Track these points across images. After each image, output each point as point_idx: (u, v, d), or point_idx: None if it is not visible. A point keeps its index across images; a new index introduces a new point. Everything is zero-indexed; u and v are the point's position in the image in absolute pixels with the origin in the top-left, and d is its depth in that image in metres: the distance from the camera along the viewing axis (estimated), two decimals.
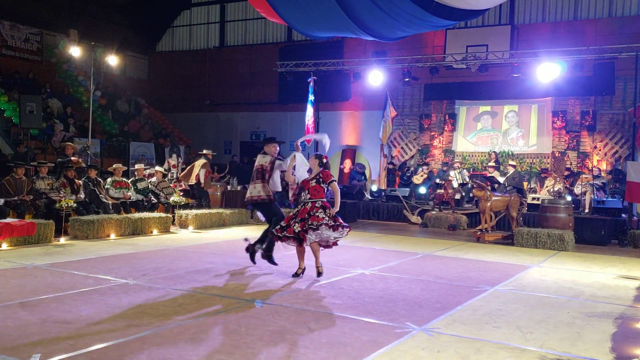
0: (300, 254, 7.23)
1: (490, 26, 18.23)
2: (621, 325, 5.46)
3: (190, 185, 14.00)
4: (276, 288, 6.63)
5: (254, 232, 12.12)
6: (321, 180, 7.14)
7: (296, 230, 6.90)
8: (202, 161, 13.93)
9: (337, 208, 7.07)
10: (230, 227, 13.02)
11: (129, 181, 12.62)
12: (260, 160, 7.78)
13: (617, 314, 5.92)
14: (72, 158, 12.31)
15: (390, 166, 17.90)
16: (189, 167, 14.19)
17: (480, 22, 18.31)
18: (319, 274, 7.11)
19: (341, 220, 7.09)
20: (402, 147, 19.20)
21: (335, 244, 7.20)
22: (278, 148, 7.95)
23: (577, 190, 14.15)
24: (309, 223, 6.87)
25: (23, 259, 7.92)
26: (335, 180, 7.30)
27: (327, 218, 6.93)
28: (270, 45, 22.27)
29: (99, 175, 12.63)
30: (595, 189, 13.82)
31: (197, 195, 14.16)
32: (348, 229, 7.11)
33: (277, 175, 7.80)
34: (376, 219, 15.63)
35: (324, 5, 7.56)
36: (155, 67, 24.67)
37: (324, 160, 7.28)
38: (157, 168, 13.87)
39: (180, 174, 14.36)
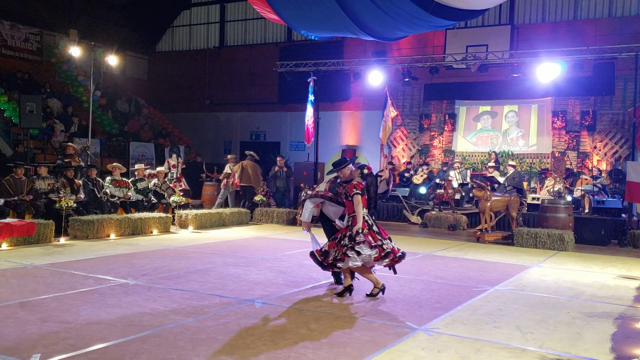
0: (345, 272, 6.43)
1: (490, 26, 18.23)
2: (621, 325, 5.46)
3: (242, 186, 14.57)
4: (276, 288, 6.63)
5: (254, 232, 12.14)
6: (347, 194, 6.31)
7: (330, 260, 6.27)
8: (250, 163, 14.48)
9: (356, 225, 6.12)
10: (230, 227, 13.02)
11: (129, 181, 12.62)
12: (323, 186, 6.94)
13: (617, 314, 5.92)
14: (67, 159, 12.32)
15: (390, 166, 17.89)
16: (238, 168, 14.41)
17: (480, 22, 18.31)
18: (382, 291, 6.41)
19: (370, 239, 6.18)
20: (402, 148, 19.21)
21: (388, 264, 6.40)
22: (352, 167, 6.66)
23: (577, 193, 14.16)
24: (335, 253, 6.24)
25: (23, 259, 7.92)
26: (359, 193, 6.22)
27: (347, 243, 6.16)
28: (270, 45, 22.27)
29: (99, 175, 12.63)
30: (594, 191, 13.81)
31: (245, 195, 14.63)
32: (372, 252, 6.17)
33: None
34: (375, 219, 15.58)
35: (323, 5, 7.55)
36: (155, 67, 24.66)
37: (365, 171, 6.44)
38: (160, 169, 13.88)
39: (233, 177, 14.70)
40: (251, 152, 15.19)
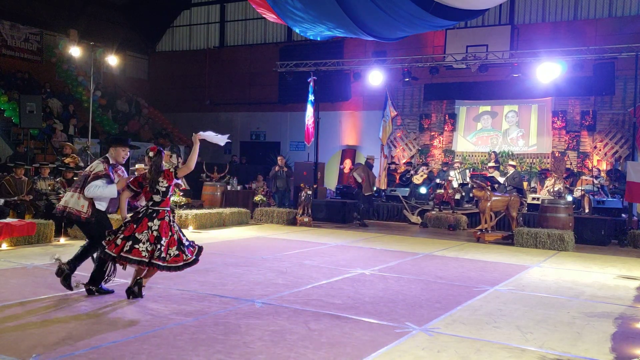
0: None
1: (490, 26, 18.24)
2: (621, 325, 5.46)
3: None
4: (276, 288, 6.63)
5: (254, 232, 12.15)
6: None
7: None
8: (361, 166, 14.18)
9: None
10: (230, 227, 13.02)
11: None
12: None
13: (617, 314, 5.92)
14: (65, 159, 12.32)
15: (393, 166, 17.91)
16: (364, 174, 14.06)
17: (480, 22, 18.31)
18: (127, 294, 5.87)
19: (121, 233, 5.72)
20: (402, 148, 19.21)
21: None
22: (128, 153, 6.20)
23: (577, 193, 14.16)
24: None
25: (23, 259, 7.91)
26: (128, 187, 5.91)
27: None
28: (270, 45, 22.28)
29: None
30: (594, 191, 13.81)
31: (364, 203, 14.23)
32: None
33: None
34: (376, 219, 15.63)
35: (324, 5, 7.55)
36: (155, 67, 24.67)
37: (150, 154, 5.88)
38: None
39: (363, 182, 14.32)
40: (371, 157, 14.86)
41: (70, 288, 5.91)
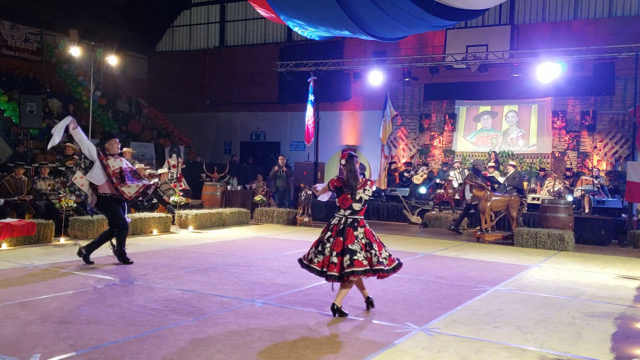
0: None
1: (490, 26, 18.24)
2: (621, 325, 5.46)
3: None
4: (276, 288, 6.63)
5: (254, 232, 12.15)
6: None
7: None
8: (471, 174, 13.18)
9: None
10: (230, 227, 13.02)
11: None
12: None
13: (617, 314, 5.92)
14: (66, 160, 12.33)
15: (394, 166, 17.91)
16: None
17: (480, 22, 18.32)
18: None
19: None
20: (402, 148, 19.22)
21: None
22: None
23: (577, 193, 14.16)
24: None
25: (23, 259, 7.92)
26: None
27: None
28: (270, 45, 22.28)
29: None
30: (594, 191, 13.81)
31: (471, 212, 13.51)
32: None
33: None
34: (376, 219, 15.62)
35: (324, 5, 7.54)
36: (155, 67, 24.67)
37: (342, 162, 5.59)
38: (161, 170, 13.86)
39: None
40: (477, 162, 14.17)
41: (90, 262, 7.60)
